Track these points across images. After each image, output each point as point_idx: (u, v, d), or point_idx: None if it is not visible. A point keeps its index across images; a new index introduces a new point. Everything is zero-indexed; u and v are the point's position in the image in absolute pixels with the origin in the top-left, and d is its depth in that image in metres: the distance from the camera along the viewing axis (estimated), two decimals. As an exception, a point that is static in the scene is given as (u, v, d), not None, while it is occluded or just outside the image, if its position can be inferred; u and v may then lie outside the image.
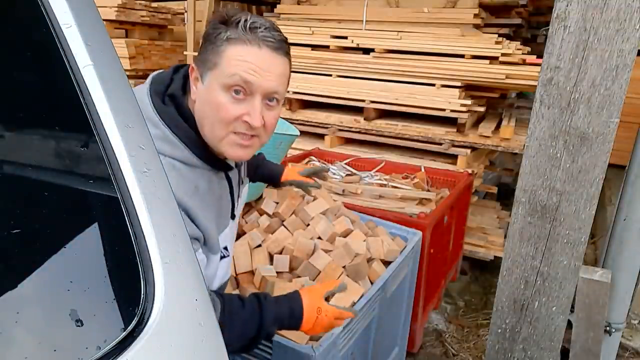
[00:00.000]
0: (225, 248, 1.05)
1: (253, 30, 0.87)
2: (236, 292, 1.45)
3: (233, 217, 1.09)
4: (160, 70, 1.01)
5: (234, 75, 0.87)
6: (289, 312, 1.02)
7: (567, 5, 1.29)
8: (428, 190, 2.56)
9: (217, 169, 1.00)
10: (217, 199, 1.00)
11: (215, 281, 1.05)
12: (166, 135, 0.90)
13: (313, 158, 2.92)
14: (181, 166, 0.92)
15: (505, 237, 2.64)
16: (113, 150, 0.50)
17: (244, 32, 0.87)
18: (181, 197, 0.89)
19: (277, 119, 0.96)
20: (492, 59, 2.94)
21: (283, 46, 0.91)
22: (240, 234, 1.62)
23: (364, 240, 1.67)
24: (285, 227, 1.69)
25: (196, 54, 0.96)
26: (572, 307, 1.53)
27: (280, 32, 0.92)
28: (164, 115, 0.91)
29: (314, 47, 3.46)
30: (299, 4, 3.78)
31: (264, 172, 1.57)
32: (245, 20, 0.88)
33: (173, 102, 0.95)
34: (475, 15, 3.13)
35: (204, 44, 0.92)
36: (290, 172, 1.63)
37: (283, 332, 1.25)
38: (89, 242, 0.49)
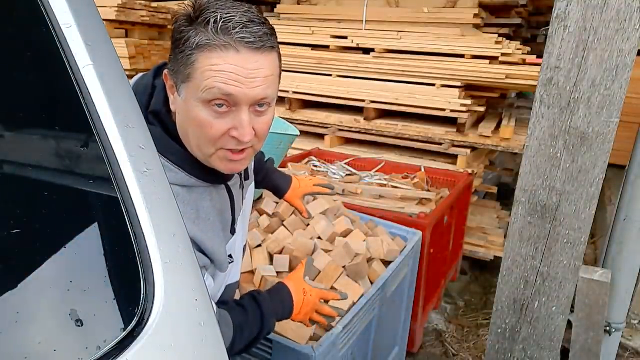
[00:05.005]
0: (230, 256, 1.00)
1: (226, 32, 0.73)
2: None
3: (233, 232, 0.99)
4: (141, 75, 0.90)
5: (211, 89, 0.74)
6: (282, 304, 1.04)
7: (567, 5, 1.29)
8: (428, 190, 2.56)
9: (216, 183, 0.91)
10: (219, 213, 0.93)
11: (223, 287, 1.03)
12: None
13: (313, 158, 2.92)
14: (178, 190, 0.83)
15: (505, 237, 2.64)
16: (113, 150, 0.50)
17: (216, 34, 0.73)
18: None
19: (270, 123, 0.85)
20: (492, 59, 2.94)
21: (267, 41, 0.76)
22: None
23: (364, 240, 1.67)
24: (285, 227, 1.69)
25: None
26: (572, 307, 1.53)
27: (262, 24, 0.76)
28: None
29: (314, 47, 3.45)
30: (299, 4, 3.78)
31: (269, 185, 1.45)
32: (215, 21, 0.72)
33: (157, 119, 0.84)
34: (475, 15, 3.13)
35: (172, 50, 0.78)
36: (301, 188, 1.48)
37: (282, 332, 1.25)
38: (89, 242, 0.49)
